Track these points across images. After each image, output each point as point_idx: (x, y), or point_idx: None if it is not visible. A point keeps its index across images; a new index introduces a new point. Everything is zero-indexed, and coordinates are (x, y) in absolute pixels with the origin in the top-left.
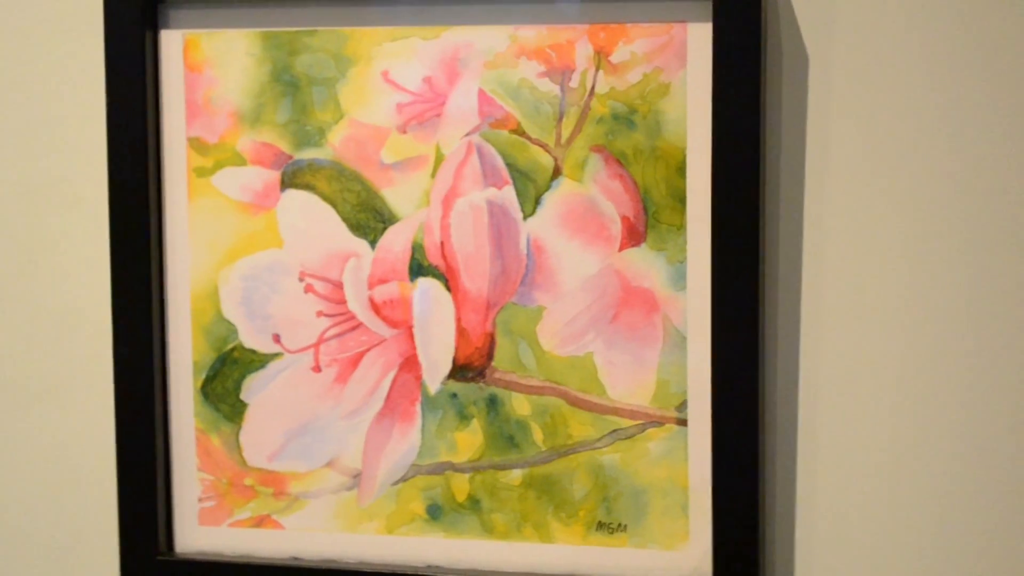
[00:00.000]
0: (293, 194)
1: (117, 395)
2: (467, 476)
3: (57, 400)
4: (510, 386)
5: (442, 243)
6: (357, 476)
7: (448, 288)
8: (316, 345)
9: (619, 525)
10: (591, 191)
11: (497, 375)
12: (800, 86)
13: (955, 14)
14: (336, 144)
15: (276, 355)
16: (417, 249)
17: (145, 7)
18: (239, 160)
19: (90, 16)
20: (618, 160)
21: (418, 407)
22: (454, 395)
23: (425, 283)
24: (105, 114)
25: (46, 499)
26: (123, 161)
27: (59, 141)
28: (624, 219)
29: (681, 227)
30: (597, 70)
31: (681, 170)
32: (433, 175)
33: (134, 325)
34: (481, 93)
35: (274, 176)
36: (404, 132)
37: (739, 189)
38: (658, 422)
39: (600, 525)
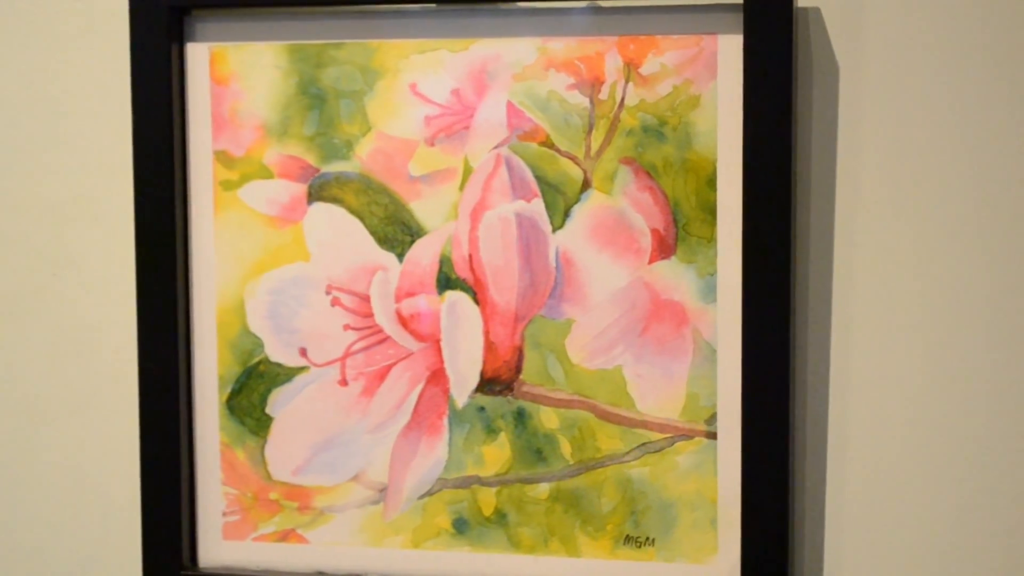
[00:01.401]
0: (320, 207)
1: (142, 409)
2: (494, 490)
3: (82, 414)
4: (538, 399)
5: (470, 256)
6: (383, 490)
7: (476, 301)
8: (343, 359)
9: (647, 539)
10: (621, 204)
11: (525, 388)
12: (830, 97)
13: (985, 23)
14: (363, 157)
15: (302, 369)
16: (445, 262)
17: (171, 20)
18: (266, 173)
19: (116, 29)
20: (648, 172)
21: (445, 421)
22: (481, 409)
23: (453, 296)
24: (131, 127)
25: (70, 513)
26: (149, 174)
27: (84, 155)
28: (654, 232)
29: (711, 240)
30: (627, 82)
31: (711, 182)
32: (461, 188)
33: (160, 339)
34: (510, 105)
35: (301, 189)
36: (432, 145)
37: (770, 201)
38: (687, 435)
39: (628, 539)
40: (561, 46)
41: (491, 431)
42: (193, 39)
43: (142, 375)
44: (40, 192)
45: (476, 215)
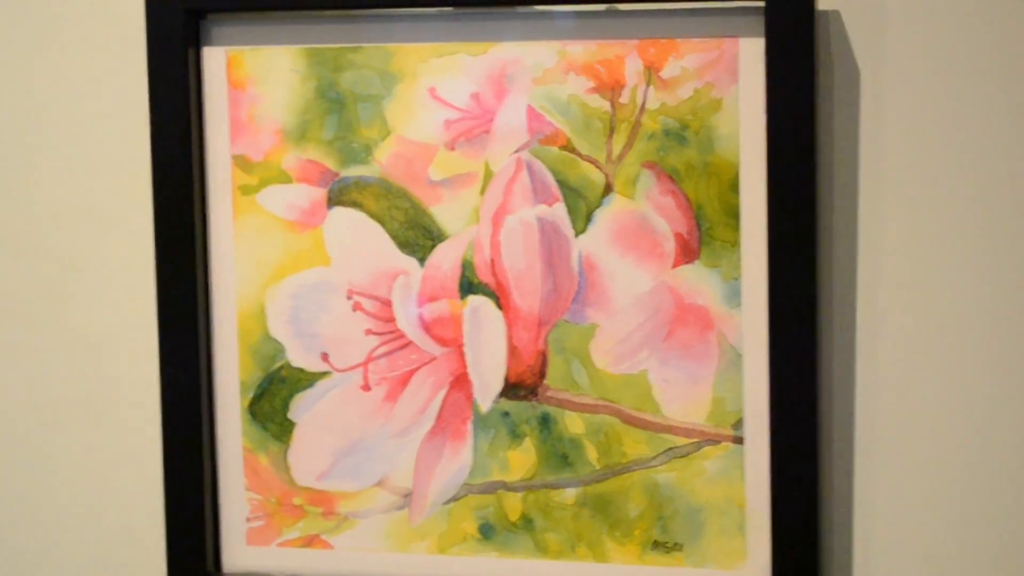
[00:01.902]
0: (340, 212)
1: (164, 415)
2: (520, 495)
3: (103, 420)
4: (563, 404)
5: (492, 260)
6: (408, 495)
7: (499, 306)
8: (365, 363)
9: (675, 544)
10: (643, 208)
11: (549, 393)
12: (852, 100)
13: (1008, 26)
14: (383, 161)
15: (324, 374)
16: (467, 267)
17: (187, 24)
18: (285, 178)
19: (132, 34)
20: (670, 176)
21: (469, 426)
22: (506, 414)
23: (475, 301)
24: (148, 132)
25: (93, 520)
26: (167, 180)
27: (102, 160)
28: (677, 236)
29: (735, 243)
30: (647, 86)
31: (734, 186)
32: (482, 192)
33: (181, 345)
34: (530, 109)
35: (320, 194)
36: (452, 149)
37: (795, 205)
38: (714, 440)
39: (656, 544)
40: (581, 49)
41: (516, 436)
42: (209, 43)
43: (164, 381)
44: (58, 198)
45: (498, 219)
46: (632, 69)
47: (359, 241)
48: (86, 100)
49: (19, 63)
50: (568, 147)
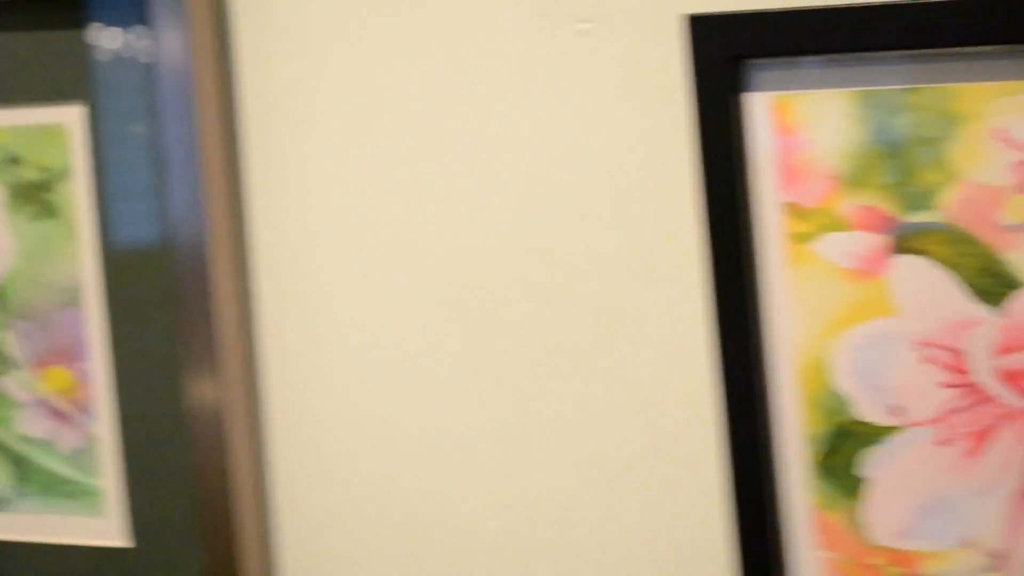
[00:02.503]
0: (904, 259)
1: (729, 471)
2: None
3: (661, 479)
4: None
5: None
6: (999, 556)
7: None
8: (940, 418)
9: None
10: None
11: None
12: None
13: None
14: (948, 206)
15: (896, 428)
16: None
17: (732, 71)
18: (841, 225)
19: (672, 82)
20: None
21: None
22: None
23: None
24: (694, 181)
25: None
26: (719, 230)
27: (645, 210)
28: None
29: None
30: None
31: None
32: None
33: (741, 399)
34: None
35: (881, 241)
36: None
37: None
38: None
39: None
40: None
41: None
42: (754, 88)
43: (727, 437)
44: (604, 251)
45: None
46: None
47: (926, 290)
48: (627, 151)
49: (556, 121)
50: None
